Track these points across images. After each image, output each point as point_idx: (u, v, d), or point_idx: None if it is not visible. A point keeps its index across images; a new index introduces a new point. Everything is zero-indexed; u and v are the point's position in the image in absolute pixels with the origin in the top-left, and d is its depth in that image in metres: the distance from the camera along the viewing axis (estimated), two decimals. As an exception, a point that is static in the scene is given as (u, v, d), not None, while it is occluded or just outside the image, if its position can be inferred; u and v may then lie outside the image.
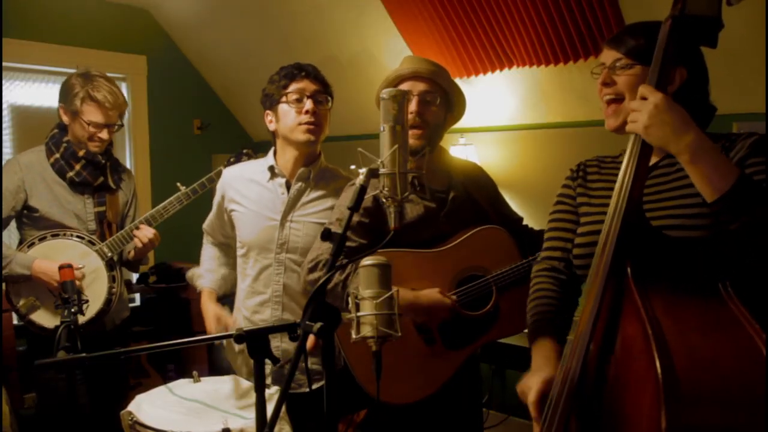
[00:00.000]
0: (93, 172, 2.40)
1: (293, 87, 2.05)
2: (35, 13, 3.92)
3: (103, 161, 2.42)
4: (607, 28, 2.77)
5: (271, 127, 2.14)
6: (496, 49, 3.23)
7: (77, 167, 2.37)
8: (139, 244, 2.41)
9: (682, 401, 0.98)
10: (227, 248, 2.37)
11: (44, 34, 3.94)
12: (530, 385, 1.33)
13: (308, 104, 2.03)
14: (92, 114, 2.32)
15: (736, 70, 2.51)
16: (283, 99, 2.06)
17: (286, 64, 2.15)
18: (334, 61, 3.86)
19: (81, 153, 2.37)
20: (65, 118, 2.38)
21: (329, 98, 2.12)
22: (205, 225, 2.36)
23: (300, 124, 2.04)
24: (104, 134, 2.36)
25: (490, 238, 1.98)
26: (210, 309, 2.20)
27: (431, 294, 1.88)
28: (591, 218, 1.45)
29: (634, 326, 1.09)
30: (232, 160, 2.53)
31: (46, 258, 2.29)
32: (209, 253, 2.37)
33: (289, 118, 2.06)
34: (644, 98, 1.19)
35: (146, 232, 2.42)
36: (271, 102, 2.10)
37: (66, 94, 2.35)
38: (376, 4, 3.42)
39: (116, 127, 2.41)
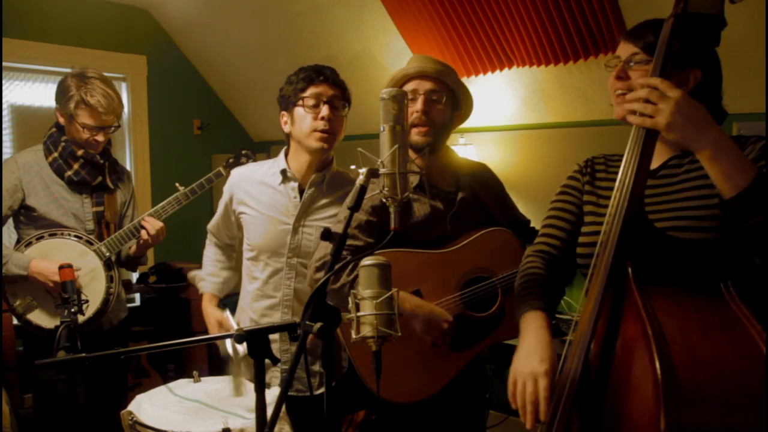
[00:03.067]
0: (91, 172, 2.40)
1: (310, 91, 2.02)
2: (35, 13, 3.92)
3: (102, 161, 2.42)
4: (607, 28, 2.77)
5: (286, 129, 2.11)
6: (496, 49, 3.23)
7: (76, 166, 2.37)
8: (145, 236, 2.39)
9: (681, 401, 0.98)
10: (230, 250, 2.37)
11: (44, 34, 3.94)
12: (535, 374, 1.29)
13: (324, 110, 2.01)
14: (86, 118, 2.30)
15: (736, 70, 2.51)
16: (300, 103, 2.03)
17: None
18: (334, 61, 3.84)
19: (79, 152, 2.36)
20: (61, 120, 2.37)
21: (346, 104, 2.09)
22: (210, 226, 2.34)
23: (315, 130, 2.02)
24: (100, 137, 2.35)
25: (496, 239, 1.97)
26: (211, 313, 2.21)
27: (431, 309, 1.85)
28: (596, 218, 1.44)
29: (634, 326, 1.09)
30: (231, 161, 2.52)
31: (44, 257, 2.28)
32: (211, 255, 2.36)
33: (304, 123, 2.03)
34: (663, 94, 1.16)
35: (153, 224, 2.40)
36: (287, 104, 2.08)
37: (61, 97, 2.34)
38: (376, 4, 3.42)
39: (112, 128, 2.40)
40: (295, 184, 2.12)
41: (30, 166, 2.36)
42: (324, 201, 2.13)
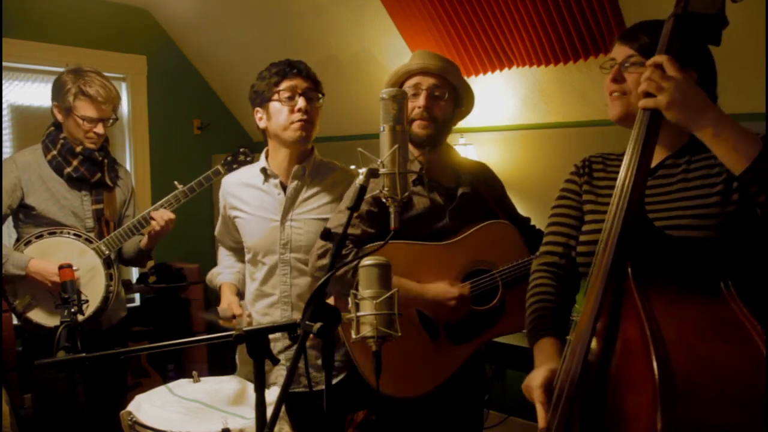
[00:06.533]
0: (90, 168, 2.40)
1: (285, 85, 2.04)
2: (35, 13, 3.92)
3: (100, 158, 2.42)
4: (607, 28, 2.77)
5: (261, 124, 2.13)
6: (496, 49, 3.23)
7: (75, 163, 2.37)
8: (156, 227, 2.39)
9: (678, 401, 0.97)
10: (241, 252, 2.38)
11: (44, 34, 3.95)
12: (535, 376, 1.32)
13: (300, 102, 2.03)
14: (85, 109, 2.32)
15: (736, 70, 2.51)
16: (275, 97, 2.05)
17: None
18: (334, 61, 3.86)
19: (78, 149, 2.37)
20: (59, 116, 2.38)
21: (320, 95, 2.11)
22: (216, 233, 2.37)
23: (293, 122, 2.04)
24: (99, 129, 2.36)
25: (497, 232, 1.98)
26: (226, 296, 2.20)
27: (438, 287, 1.89)
28: (596, 216, 1.44)
29: (633, 326, 1.09)
30: (229, 158, 2.53)
31: (43, 256, 2.28)
32: (224, 252, 2.39)
33: (281, 116, 2.05)
34: (666, 74, 1.18)
35: (163, 214, 2.40)
36: (261, 99, 2.09)
37: (58, 92, 2.34)
38: (376, 4, 3.42)
39: (111, 121, 2.41)
40: (276, 181, 2.14)
41: (29, 165, 2.37)
42: (310, 192, 2.14)
